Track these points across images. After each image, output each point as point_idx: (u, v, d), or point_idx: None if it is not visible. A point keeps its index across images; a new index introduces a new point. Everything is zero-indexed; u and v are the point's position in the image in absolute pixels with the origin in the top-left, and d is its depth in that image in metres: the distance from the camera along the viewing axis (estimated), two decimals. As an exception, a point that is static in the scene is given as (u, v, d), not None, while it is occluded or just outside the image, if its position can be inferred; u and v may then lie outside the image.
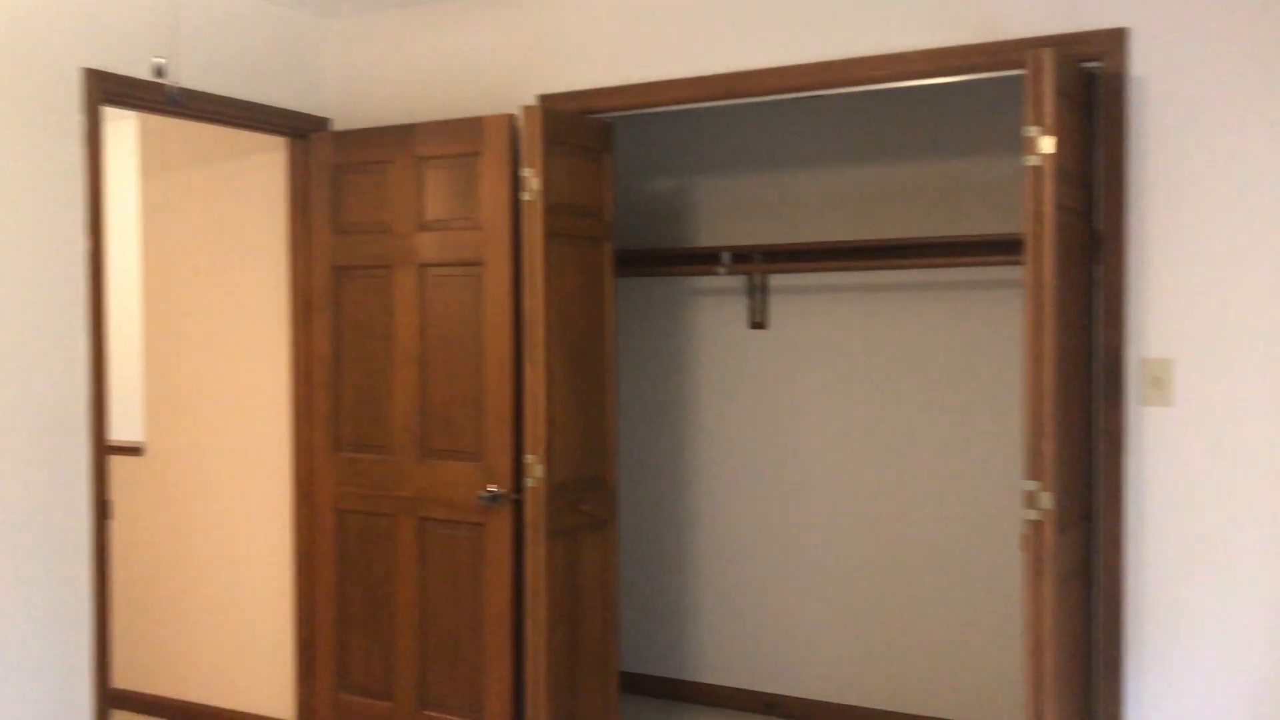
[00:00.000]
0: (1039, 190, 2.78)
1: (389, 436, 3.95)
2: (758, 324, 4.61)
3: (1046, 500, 2.78)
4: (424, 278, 3.86)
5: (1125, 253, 3.05)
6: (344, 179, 4.02)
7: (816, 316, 4.51)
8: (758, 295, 4.60)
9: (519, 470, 3.68)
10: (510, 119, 3.69)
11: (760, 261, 4.44)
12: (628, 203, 4.84)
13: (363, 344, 4.00)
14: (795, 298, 4.56)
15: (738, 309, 4.66)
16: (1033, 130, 2.79)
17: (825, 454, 4.51)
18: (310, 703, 4.16)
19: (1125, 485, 3.06)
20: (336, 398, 4.06)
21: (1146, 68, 3.03)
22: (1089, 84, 3.11)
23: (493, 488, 3.70)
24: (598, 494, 3.73)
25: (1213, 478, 2.97)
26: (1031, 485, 2.80)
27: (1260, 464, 2.91)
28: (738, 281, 4.63)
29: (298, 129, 4.09)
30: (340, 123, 4.21)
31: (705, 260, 4.55)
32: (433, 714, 3.88)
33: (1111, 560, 3.07)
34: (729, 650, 4.72)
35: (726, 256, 4.42)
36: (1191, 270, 2.98)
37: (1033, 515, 2.80)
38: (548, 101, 3.78)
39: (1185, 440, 3.00)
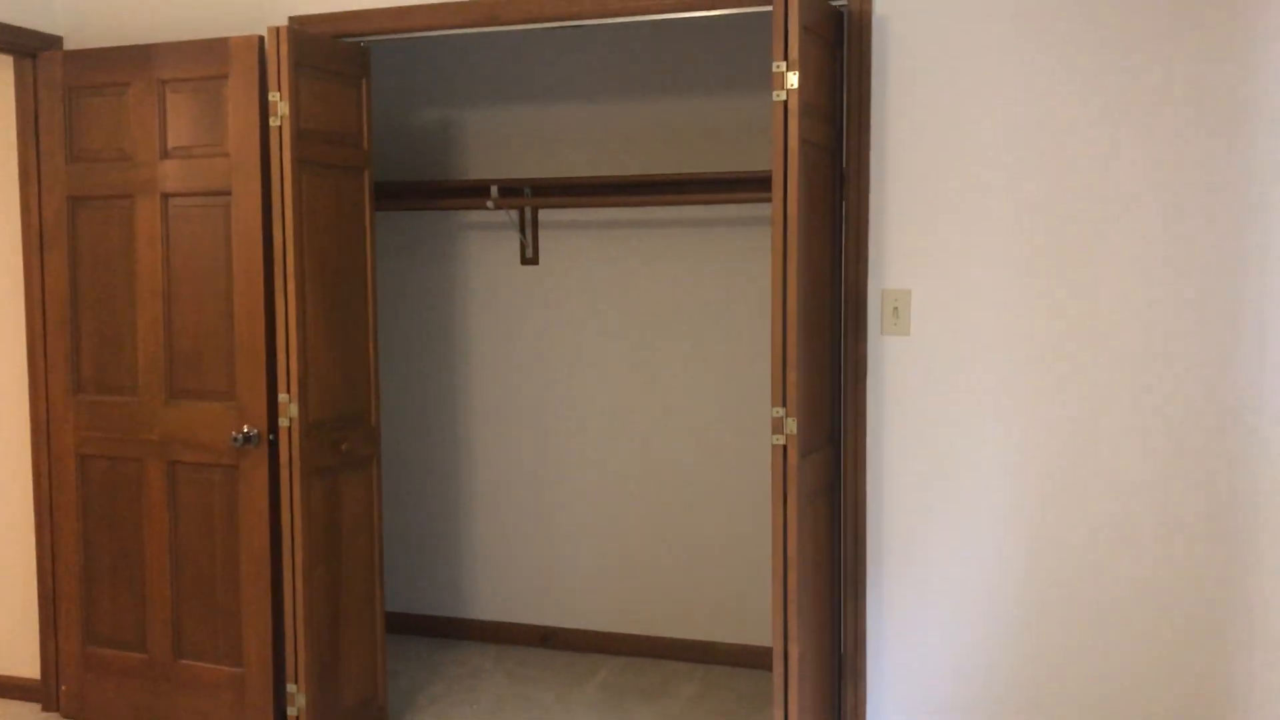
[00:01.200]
0: (784, 125, 2.84)
1: (133, 377, 3.73)
2: (529, 260, 4.58)
3: (791, 425, 2.88)
4: (168, 208, 3.65)
5: (868, 188, 3.16)
6: (78, 103, 3.74)
7: (586, 252, 4.52)
8: (528, 231, 4.57)
9: (274, 410, 3.56)
10: (259, 40, 3.51)
11: (529, 196, 4.40)
12: (394, 134, 4.70)
13: (103, 280, 3.76)
14: (566, 233, 4.55)
15: (509, 245, 4.62)
16: (779, 65, 2.84)
17: (593, 388, 4.55)
18: (56, 658, 3.94)
19: (867, 411, 3.20)
20: (75, 337, 3.81)
21: (889, 8, 3.13)
22: (838, 23, 3.19)
23: (246, 428, 3.56)
24: (359, 432, 3.65)
25: (947, 403, 3.14)
26: (778, 411, 2.89)
27: (990, 390, 3.10)
28: (509, 217, 4.58)
29: (23, 47, 3.77)
30: (74, 42, 3.91)
31: (474, 194, 4.47)
32: (189, 663, 3.73)
33: (855, 482, 3.22)
34: (503, 586, 4.73)
35: (495, 190, 4.36)
36: (929, 205, 3.12)
37: (778, 440, 2.89)
38: (300, 23, 3.61)
39: (921, 368, 3.16)
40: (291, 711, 3.43)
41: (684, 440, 4.46)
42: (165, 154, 3.63)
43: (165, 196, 3.64)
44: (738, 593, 4.42)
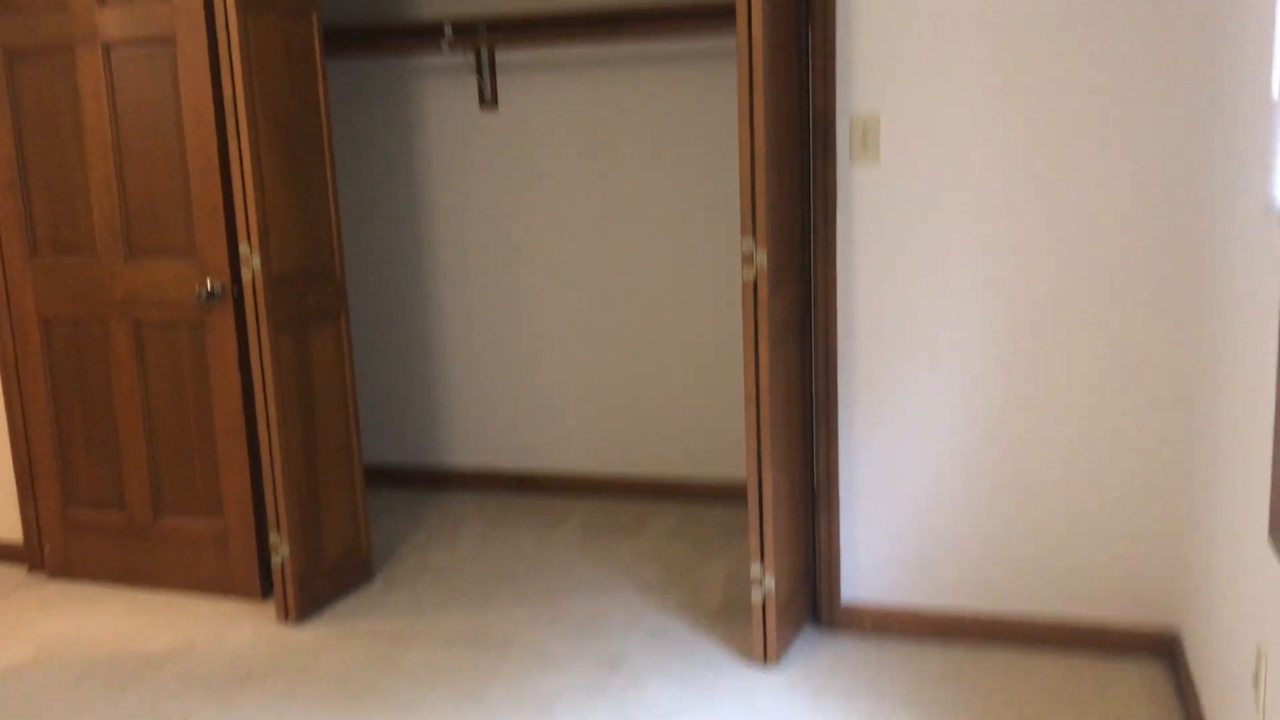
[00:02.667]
0: (747, -55, 2.74)
1: (90, 237, 3.65)
2: (488, 103, 4.47)
3: (761, 258, 2.86)
4: (111, 59, 3.51)
5: (835, 12, 3.07)
6: (5, -52, 3.56)
7: (547, 93, 4.40)
8: (486, 73, 4.44)
9: (236, 265, 3.50)
10: (191, -126, 3.32)
11: (485, 34, 4.26)
12: (342, -24, 4.52)
13: (50, 138, 3.64)
14: (525, 74, 4.42)
15: (466, 89, 4.49)
16: (740, -119, 2.72)
17: (560, 231, 4.50)
18: (38, 521, 3.97)
19: (837, 243, 3.18)
20: (27, 199, 3.71)
21: None
22: None
23: (210, 283, 3.51)
24: (324, 285, 3.60)
25: (918, 235, 3.12)
26: (747, 244, 2.87)
27: (963, 222, 3.08)
28: (465, 59, 4.44)
29: (-60, -112, 3.56)
30: (-7, -118, 3.69)
31: (427, 35, 4.32)
32: (170, 520, 3.77)
33: (826, 316, 3.22)
34: (478, 434, 4.77)
35: (448, 30, 4.21)
36: (899, 28, 3.03)
37: (748, 273, 2.88)
38: None
39: (892, 198, 3.12)
40: (276, 562, 3.47)
41: (655, 281, 4.44)
42: (103, 1, 3.48)
43: (107, 47, 3.50)
44: (712, 431, 4.47)
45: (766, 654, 3.12)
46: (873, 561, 3.29)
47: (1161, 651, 3.09)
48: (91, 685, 3.19)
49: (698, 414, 4.48)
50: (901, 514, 3.25)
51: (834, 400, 3.26)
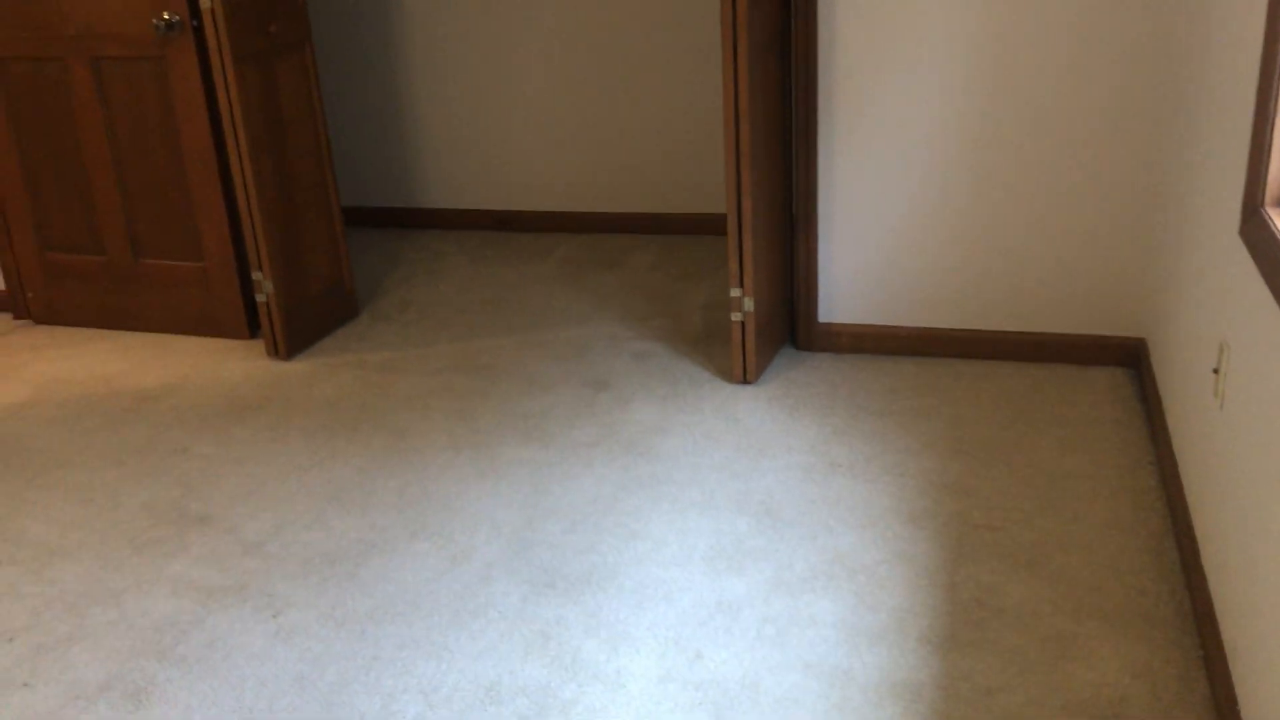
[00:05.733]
0: None
1: (35, -34, 3.48)
2: None
3: (738, -31, 2.75)
4: None
5: None
6: None
7: None
8: None
9: (193, -8, 3.35)
10: None
11: None
12: None
13: None
14: None
15: None
16: None
17: (532, -41, 4.31)
18: (17, 268, 3.96)
19: (818, -46, 3.06)
20: (-38, -74, 3.51)
21: None
22: None
23: (167, 14, 3.37)
24: (286, 13, 3.46)
25: (899, -61, 3.00)
26: (724, -45, 2.76)
27: (942, -80, 2.95)
28: None
29: None
30: None
31: None
32: (150, 261, 3.77)
33: (806, 33, 3.14)
34: (458, 174, 4.72)
35: None
36: None
37: (725, -14, 2.78)
38: None
39: (874, -99, 2.98)
40: (260, 298, 3.50)
41: (634, 16, 4.28)
42: None
43: None
44: (692, 166, 4.44)
45: (746, 373, 3.21)
46: (850, 283, 3.34)
47: (1128, 361, 3.19)
48: (91, 420, 3.28)
49: (678, 150, 4.43)
50: (879, 235, 3.27)
51: (814, 122, 3.22)
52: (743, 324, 3.14)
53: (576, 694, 2.07)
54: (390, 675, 2.15)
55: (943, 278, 3.27)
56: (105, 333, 3.90)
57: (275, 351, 3.57)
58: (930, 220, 3.22)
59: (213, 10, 3.19)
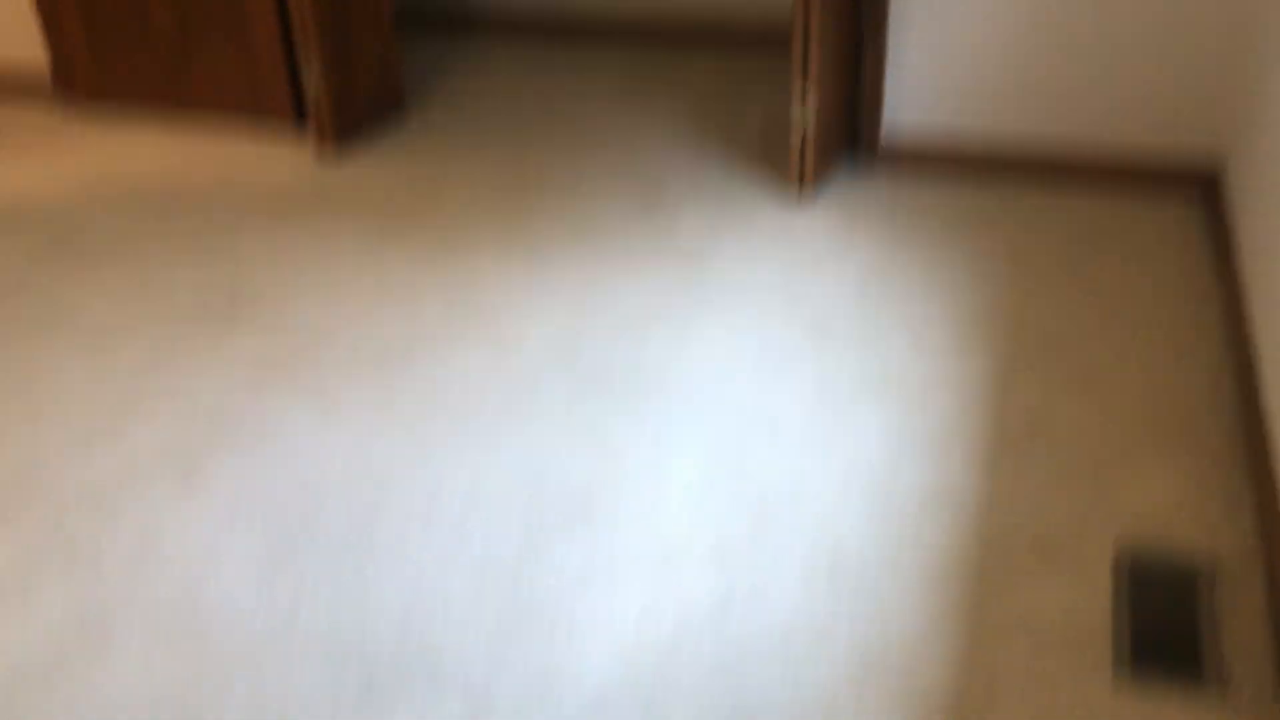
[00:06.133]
0: None
1: None
2: None
3: None
4: None
5: None
6: None
7: None
8: None
9: None
10: None
11: None
12: None
13: None
14: None
15: None
16: None
17: None
18: (63, 49, 3.89)
19: None
20: None
21: None
22: None
23: None
24: None
25: None
26: None
27: None
28: None
29: None
30: None
31: None
32: (198, 41, 3.68)
33: None
34: (511, -24, 4.55)
35: None
36: None
37: None
38: None
39: None
40: (310, 93, 3.43)
41: None
42: None
43: None
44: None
45: (803, 189, 3.13)
46: (919, 86, 3.21)
47: (1200, 198, 3.07)
48: (144, 209, 3.27)
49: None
50: (950, 36, 3.13)
51: (890, -75, 3.04)
52: (803, 139, 3.05)
53: (618, 495, 2.09)
54: (438, 460, 2.18)
55: (1014, 79, 3.11)
56: (153, 119, 3.86)
57: (323, 144, 3.52)
58: (1003, 19, 3.07)
59: None
